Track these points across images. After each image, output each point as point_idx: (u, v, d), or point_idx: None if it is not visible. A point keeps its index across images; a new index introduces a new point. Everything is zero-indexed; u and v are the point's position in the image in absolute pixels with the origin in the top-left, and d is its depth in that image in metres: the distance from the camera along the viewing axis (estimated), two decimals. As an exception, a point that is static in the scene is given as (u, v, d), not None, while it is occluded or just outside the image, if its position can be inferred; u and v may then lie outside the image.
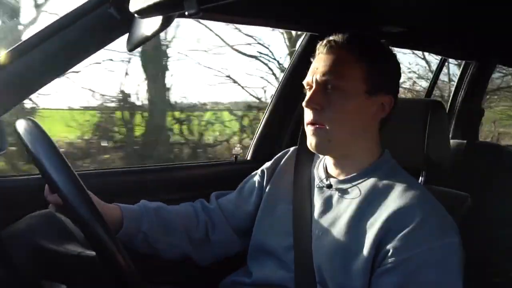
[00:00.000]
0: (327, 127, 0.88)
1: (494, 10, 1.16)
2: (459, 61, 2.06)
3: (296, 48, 1.51)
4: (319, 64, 0.91)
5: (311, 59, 0.96)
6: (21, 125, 0.68)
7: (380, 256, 0.80)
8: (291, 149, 1.13)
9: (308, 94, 0.90)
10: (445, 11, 1.19)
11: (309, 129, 0.90)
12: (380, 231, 0.80)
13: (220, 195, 1.13)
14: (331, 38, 0.92)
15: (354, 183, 0.91)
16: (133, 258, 0.65)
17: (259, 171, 1.13)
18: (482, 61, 2.05)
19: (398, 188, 0.85)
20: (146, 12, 0.66)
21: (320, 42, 0.94)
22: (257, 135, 1.55)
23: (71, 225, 0.73)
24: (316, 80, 0.89)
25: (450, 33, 1.54)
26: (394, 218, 0.80)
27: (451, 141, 1.87)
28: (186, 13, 0.54)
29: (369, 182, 0.89)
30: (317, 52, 0.94)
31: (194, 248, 1.04)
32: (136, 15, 0.68)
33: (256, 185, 1.10)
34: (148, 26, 0.77)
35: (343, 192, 0.91)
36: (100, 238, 0.59)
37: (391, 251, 0.78)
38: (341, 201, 0.90)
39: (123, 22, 0.85)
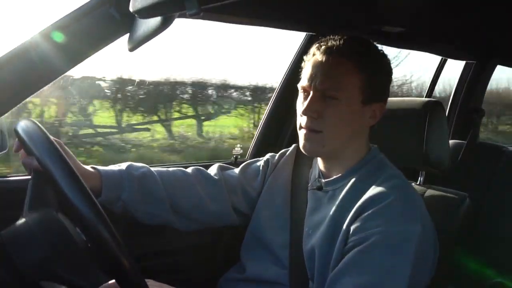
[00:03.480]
0: (323, 133, 0.89)
1: (495, 10, 1.16)
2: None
3: (297, 49, 1.51)
4: (317, 70, 0.90)
5: (304, 57, 0.96)
6: (21, 126, 0.68)
7: (348, 238, 0.83)
8: (293, 146, 1.14)
9: (306, 101, 0.90)
10: (446, 11, 1.20)
11: (302, 133, 0.91)
12: (352, 218, 0.84)
13: (224, 168, 1.11)
14: (329, 43, 0.91)
15: (342, 183, 0.93)
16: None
17: (264, 158, 1.13)
18: (482, 62, 2.05)
19: (378, 181, 0.88)
20: (146, 12, 0.66)
21: (317, 45, 0.93)
22: (257, 135, 1.55)
23: (70, 226, 0.73)
24: (315, 87, 0.89)
25: (451, 33, 1.54)
26: (363, 204, 0.84)
27: (451, 141, 1.87)
28: (187, 13, 0.54)
29: (354, 180, 0.91)
30: (312, 53, 0.93)
31: (177, 217, 1.01)
32: (136, 15, 0.69)
33: (261, 171, 1.10)
34: (148, 26, 0.77)
35: (333, 193, 0.93)
36: (102, 240, 0.59)
37: (351, 231, 0.82)
38: (330, 202, 0.93)
39: (124, 22, 0.85)
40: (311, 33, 1.44)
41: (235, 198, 1.07)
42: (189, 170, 1.06)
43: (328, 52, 0.89)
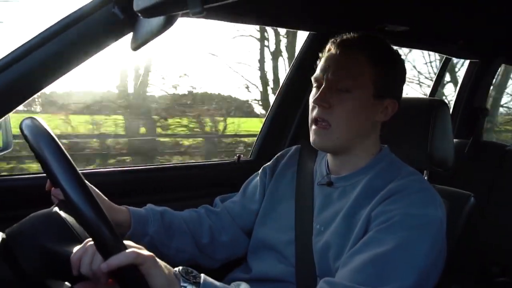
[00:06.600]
0: (332, 126, 0.89)
1: (500, 8, 1.16)
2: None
3: (300, 48, 1.51)
4: (330, 62, 0.91)
5: (320, 54, 0.97)
6: (26, 125, 0.68)
7: (369, 224, 0.84)
8: (293, 147, 1.14)
9: (318, 91, 0.91)
10: (449, 10, 1.19)
11: (313, 127, 0.92)
12: (373, 207, 0.84)
13: (224, 199, 1.14)
14: (344, 37, 0.93)
15: (353, 180, 0.93)
16: None
17: (260, 170, 1.14)
18: (486, 60, 2.04)
19: (398, 177, 0.88)
20: (150, 11, 0.66)
21: (333, 40, 0.94)
22: (260, 135, 1.55)
23: (75, 225, 0.74)
24: (327, 78, 0.90)
25: (455, 32, 1.53)
26: (385, 195, 0.84)
27: (455, 140, 1.87)
28: (190, 12, 0.54)
29: (368, 178, 0.91)
30: (327, 49, 0.95)
31: (200, 252, 1.04)
32: (140, 14, 0.69)
33: (259, 183, 1.11)
34: (152, 25, 0.77)
35: (343, 189, 0.93)
36: (104, 238, 0.59)
37: (373, 217, 0.83)
38: (341, 198, 0.92)
39: (127, 22, 0.85)
40: (314, 32, 1.44)
41: (242, 221, 1.09)
42: (198, 208, 1.11)
43: (342, 45, 0.91)
